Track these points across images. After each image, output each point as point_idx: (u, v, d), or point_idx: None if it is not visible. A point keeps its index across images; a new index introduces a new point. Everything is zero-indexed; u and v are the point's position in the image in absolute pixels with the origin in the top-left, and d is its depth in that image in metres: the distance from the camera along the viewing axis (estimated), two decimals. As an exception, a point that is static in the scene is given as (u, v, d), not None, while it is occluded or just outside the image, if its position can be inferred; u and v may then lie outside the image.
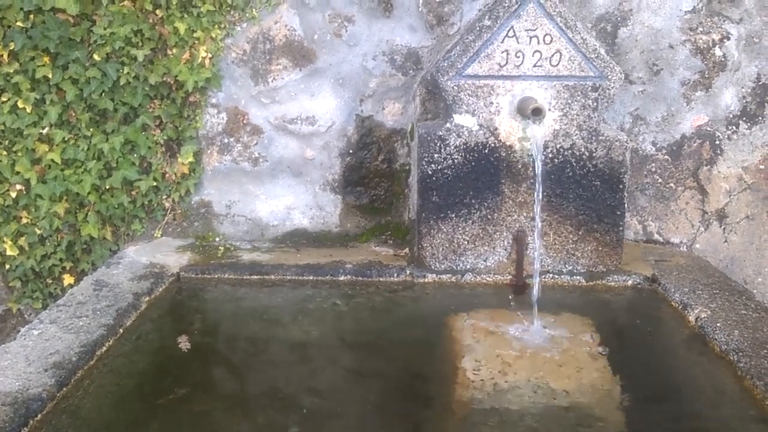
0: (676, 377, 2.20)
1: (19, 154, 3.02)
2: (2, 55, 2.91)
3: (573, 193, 2.79)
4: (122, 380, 2.11)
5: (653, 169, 3.20)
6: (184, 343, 2.36)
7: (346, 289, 2.78)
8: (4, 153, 3.02)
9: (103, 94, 3.01)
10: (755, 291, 3.11)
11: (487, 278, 2.83)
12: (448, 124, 2.76)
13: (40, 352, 2.08)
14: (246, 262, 2.94)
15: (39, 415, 1.83)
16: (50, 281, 3.25)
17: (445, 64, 2.72)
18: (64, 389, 1.96)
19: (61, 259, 3.19)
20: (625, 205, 2.83)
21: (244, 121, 3.18)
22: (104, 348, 2.22)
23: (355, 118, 3.19)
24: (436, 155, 2.76)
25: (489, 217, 2.81)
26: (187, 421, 1.93)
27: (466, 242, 2.83)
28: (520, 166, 2.78)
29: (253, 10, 3.03)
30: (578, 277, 2.82)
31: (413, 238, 2.98)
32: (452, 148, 2.76)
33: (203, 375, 2.20)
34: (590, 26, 3.04)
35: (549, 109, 2.72)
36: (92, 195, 3.09)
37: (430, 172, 2.77)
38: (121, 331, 2.34)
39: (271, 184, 3.26)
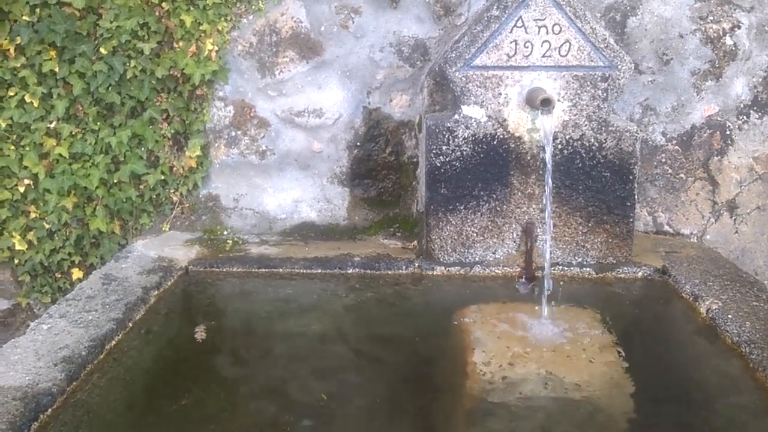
0: (687, 369, 2.18)
1: (27, 148, 3.02)
2: (9, 50, 2.91)
3: (582, 185, 2.77)
4: (132, 374, 2.12)
5: (663, 160, 3.17)
6: (200, 333, 2.37)
7: (354, 282, 2.78)
8: (12, 148, 3.02)
9: (110, 87, 3.01)
10: (766, 282, 3.09)
11: (497, 270, 2.81)
12: (456, 116, 2.74)
13: (49, 347, 2.09)
14: (254, 256, 2.94)
15: (49, 410, 1.84)
16: (59, 275, 3.26)
17: (453, 55, 2.70)
18: (74, 383, 1.96)
19: (69, 254, 3.20)
20: (635, 196, 2.81)
21: (251, 114, 3.17)
22: (114, 342, 2.22)
23: (363, 110, 3.18)
24: (444, 147, 2.74)
25: (498, 209, 2.80)
26: (196, 414, 1.93)
27: (474, 234, 2.82)
28: (529, 158, 2.76)
29: (260, 2, 3.02)
30: (588, 269, 2.81)
31: (421, 231, 2.96)
32: (460, 139, 2.74)
33: (213, 368, 2.20)
34: (599, 16, 3.02)
35: (558, 100, 2.70)
36: (100, 189, 3.09)
37: (438, 164, 2.76)
38: (130, 325, 2.34)
39: (278, 177, 3.25)
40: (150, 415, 1.94)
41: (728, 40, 3.05)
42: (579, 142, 2.75)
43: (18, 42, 2.89)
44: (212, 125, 3.18)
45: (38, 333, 2.18)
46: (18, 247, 3.12)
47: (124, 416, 1.93)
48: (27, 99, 2.95)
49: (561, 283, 2.72)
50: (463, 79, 2.70)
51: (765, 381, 2.01)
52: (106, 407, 1.93)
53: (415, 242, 3.05)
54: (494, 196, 2.79)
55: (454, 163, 2.76)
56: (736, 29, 3.04)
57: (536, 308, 2.52)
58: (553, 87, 2.70)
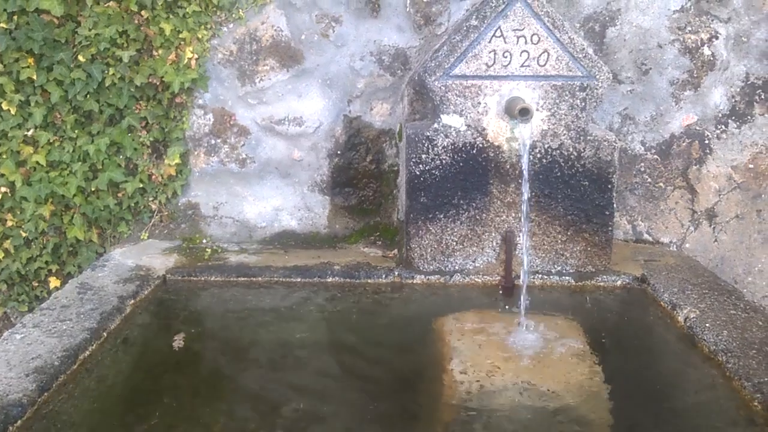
0: (664, 378, 2.18)
1: (4, 156, 2.99)
2: (-14, 57, 2.89)
3: (561, 194, 2.78)
4: (105, 385, 2.09)
5: (642, 169, 3.19)
6: (177, 342, 2.35)
7: (334, 291, 2.76)
8: (-11, 155, 3.00)
9: (89, 95, 2.99)
10: (745, 290, 3.11)
11: (476, 279, 2.81)
12: (435, 125, 2.75)
13: (21, 357, 2.06)
14: (233, 264, 2.92)
15: (19, 421, 1.81)
16: (36, 284, 3.22)
17: (433, 65, 2.70)
18: (46, 394, 1.93)
19: (47, 262, 3.17)
20: (614, 205, 2.82)
21: (231, 122, 3.16)
22: (87, 352, 2.19)
23: (343, 118, 3.17)
24: (424, 156, 2.74)
25: (477, 217, 2.80)
26: (170, 424, 1.91)
27: (454, 243, 2.81)
28: (508, 167, 2.76)
29: (240, 10, 3.01)
30: (567, 278, 2.81)
31: (402, 239, 2.96)
32: (440, 148, 2.74)
33: (188, 378, 2.18)
34: (578, 26, 3.03)
35: (537, 109, 2.71)
36: (78, 197, 3.06)
37: (418, 173, 2.75)
38: (105, 334, 2.32)
39: (258, 185, 3.24)
40: (123, 425, 1.91)
41: (706, 51, 3.08)
42: (558, 152, 2.75)
43: (-5, 49, 2.88)
44: (192, 133, 3.17)
45: (11, 343, 2.15)
46: (-6, 255, 3.09)
47: (96, 427, 1.90)
48: (4, 106, 2.93)
49: (540, 291, 2.72)
50: (443, 88, 2.71)
51: (741, 390, 2.01)
52: (77, 418, 1.91)
53: (396, 251, 3.05)
54: (474, 204, 2.79)
55: (433, 171, 2.76)
56: (714, 39, 3.07)
57: (514, 317, 2.51)
58: (531, 96, 2.71)
